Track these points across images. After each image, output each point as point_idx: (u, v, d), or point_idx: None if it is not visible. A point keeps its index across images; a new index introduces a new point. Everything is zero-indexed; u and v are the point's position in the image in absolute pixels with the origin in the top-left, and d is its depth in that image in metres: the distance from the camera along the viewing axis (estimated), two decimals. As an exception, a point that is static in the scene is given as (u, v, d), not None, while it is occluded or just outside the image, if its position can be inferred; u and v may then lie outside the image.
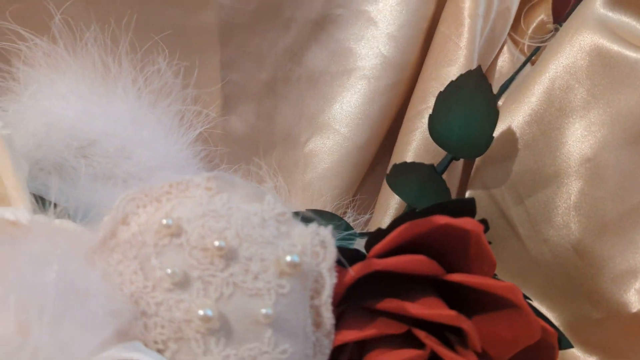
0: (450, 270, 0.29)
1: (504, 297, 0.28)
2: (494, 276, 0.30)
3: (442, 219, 0.28)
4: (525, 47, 0.46)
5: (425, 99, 0.43)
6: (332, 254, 0.26)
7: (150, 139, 0.36)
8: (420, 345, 0.28)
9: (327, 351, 0.27)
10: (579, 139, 0.38)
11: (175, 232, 0.24)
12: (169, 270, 0.24)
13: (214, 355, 0.24)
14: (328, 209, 0.42)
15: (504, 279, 0.30)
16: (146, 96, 0.37)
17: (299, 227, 0.26)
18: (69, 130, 0.34)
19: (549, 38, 0.44)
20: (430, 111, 0.38)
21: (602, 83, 0.38)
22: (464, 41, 0.43)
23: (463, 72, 0.41)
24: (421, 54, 0.45)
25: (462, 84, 0.38)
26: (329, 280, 0.26)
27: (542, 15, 0.46)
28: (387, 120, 0.45)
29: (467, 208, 0.30)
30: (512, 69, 0.46)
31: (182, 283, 0.24)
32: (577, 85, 0.38)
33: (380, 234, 0.29)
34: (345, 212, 0.42)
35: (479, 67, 0.37)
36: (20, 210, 0.25)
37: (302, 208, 0.42)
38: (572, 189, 0.38)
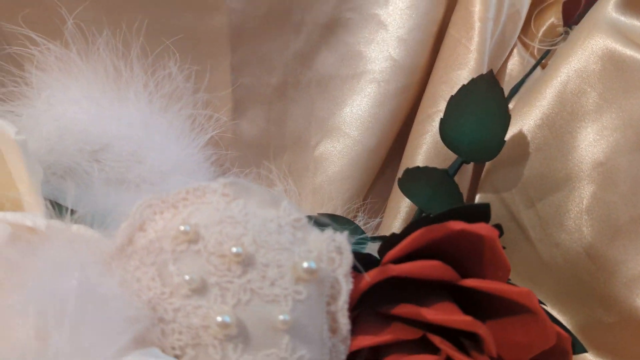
0: (464, 275, 0.29)
1: (519, 303, 0.28)
2: (508, 281, 0.30)
3: (457, 225, 0.28)
4: (535, 50, 0.46)
5: (435, 102, 0.43)
6: (348, 259, 0.26)
7: (162, 143, 0.36)
8: (435, 350, 0.29)
9: (343, 357, 0.27)
10: (591, 143, 0.38)
11: (193, 238, 0.24)
12: (186, 277, 0.24)
13: (231, 362, 0.24)
14: (338, 212, 0.42)
15: (514, 283, 0.30)
16: (158, 100, 0.37)
17: (315, 233, 0.26)
18: (82, 134, 0.34)
19: (559, 41, 0.44)
20: (440, 114, 0.38)
21: (614, 87, 0.38)
22: (474, 44, 0.43)
23: (473, 75, 0.41)
24: (431, 57, 0.45)
25: (474, 87, 0.38)
26: (345, 286, 0.26)
27: (552, 18, 0.46)
28: (397, 123, 0.45)
29: (481, 213, 0.30)
30: (522, 72, 0.46)
31: (200, 289, 0.24)
32: (589, 89, 0.38)
33: (394, 239, 0.29)
34: (355, 216, 0.42)
35: (490, 71, 0.37)
36: (38, 217, 0.25)
37: (312, 212, 0.42)
38: (584, 193, 0.38)
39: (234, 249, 0.24)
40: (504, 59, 0.46)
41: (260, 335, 0.24)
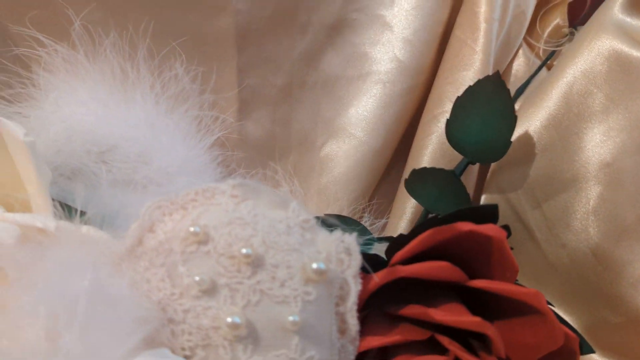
0: (472, 276, 0.29)
1: (527, 303, 0.28)
2: (516, 282, 0.30)
3: (466, 226, 0.28)
4: (541, 51, 0.46)
5: (441, 103, 0.43)
6: (357, 261, 0.26)
7: (168, 145, 0.36)
8: (443, 351, 0.29)
9: (352, 357, 0.27)
10: (598, 144, 0.38)
11: (203, 239, 0.24)
12: (196, 278, 0.24)
13: (241, 362, 0.24)
14: (344, 213, 0.42)
15: (521, 283, 0.30)
16: (164, 102, 0.37)
17: (323, 234, 0.26)
18: (89, 135, 0.35)
19: (565, 42, 0.44)
20: (446, 115, 0.38)
21: (620, 88, 0.38)
22: (479, 45, 0.43)
23: (479, 76, 0.41)
24: (436, 58, 0.45)
25: (480, 88, 0.38)
26: (354, 287, 0.26)
27: (558, 19, 0.46)
28: (403, 124, 0.45)
29: (489, 214, 0.30)
30: (528, 73, 0.46)
31: (210, 290, 0.24)
32: (595, 90, 0.38)
33: (402, 240, 0.29)
34: (362, 217, 0.42)
35: (497, 72, 0.37)
36: (48, 218, 0.26)
37: (318, 212, 0.42)
38: (590, 194, 0.38)
39: (244, 250, 0.24)
40: (509, 60, 0.46)
41: (269, 336, 0.24)
